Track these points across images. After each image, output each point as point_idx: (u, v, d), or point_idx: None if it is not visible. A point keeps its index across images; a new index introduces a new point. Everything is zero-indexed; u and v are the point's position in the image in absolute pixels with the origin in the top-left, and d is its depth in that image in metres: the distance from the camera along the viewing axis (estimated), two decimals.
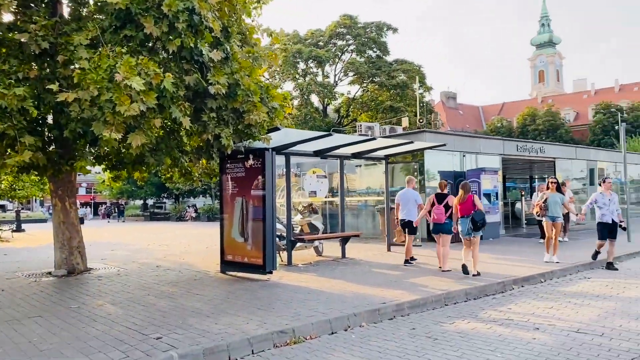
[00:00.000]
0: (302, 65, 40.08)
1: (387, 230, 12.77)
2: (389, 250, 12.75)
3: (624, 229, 10.41)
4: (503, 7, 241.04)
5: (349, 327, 6.13)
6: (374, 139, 10.04)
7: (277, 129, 8.40)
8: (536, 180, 28.18)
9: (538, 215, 11.62)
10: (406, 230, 10.59)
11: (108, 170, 10.50)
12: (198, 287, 8.39)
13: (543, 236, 13.28)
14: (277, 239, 10.78)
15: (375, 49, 41.06)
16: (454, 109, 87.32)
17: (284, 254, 10.78)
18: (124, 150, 8.99)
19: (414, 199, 10.52)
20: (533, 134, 66.79)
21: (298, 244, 10.99)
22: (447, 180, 14.77)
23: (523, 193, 22.75)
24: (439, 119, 36.76)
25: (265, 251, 8.76)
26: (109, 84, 6.15)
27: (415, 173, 13.84)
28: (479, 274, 8.89)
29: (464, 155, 15.69)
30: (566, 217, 13.02)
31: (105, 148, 7.53)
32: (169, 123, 8.81)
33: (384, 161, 12.74)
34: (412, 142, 10.76)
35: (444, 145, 11.74)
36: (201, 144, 8.41)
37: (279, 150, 9.89)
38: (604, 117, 68.54)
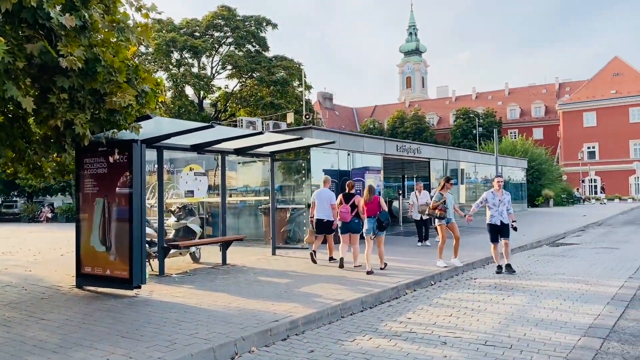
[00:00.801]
0: (176, 55, 37.67)
1: (272, 232, 11.89)
2: (274, 254, 11.88)
3: (515, 229, 9.63)
4: (375, 14, 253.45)
5: (237, 354, 5.14)
6: (262, 133, 9.11)
7: (147, 117, 7.08)
8: (406, 179, 29.29)
9: (435, 217, 10.02)
10: (324, 229, 10.68)
11: None
12: (45, 308, 6.79)
13: (421, 238, 13.45)
14: (147, 246, 9.39)
15: (254, 44, 39.98)
16: (330, 110, 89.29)
17: (155, 263, 9.41)
18: None
19: (329, 199, 10.44)
20: (402, 136, 70.64)
21: (172, 251, 9.68)
22: (332, 179, 14.38)
23: (400, 192, 23.33)
24: (321, 118, 36.72)
25: (132, 261, 7.39)
26: None
27: (304, 171, 13.15)
28: (386, 265, 9.66)
29: (348, 154, 15.36)
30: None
31: None
32: (11, 106, 7.06)
33: (269, 158, 11.85)
34: (301, 138, 10.00)
35: (334, 142, 11.19)
36: (49, 133, 6.80)
37: (150, 143, 8.52)
38: (464, 122, 74.65)
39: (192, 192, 10.17)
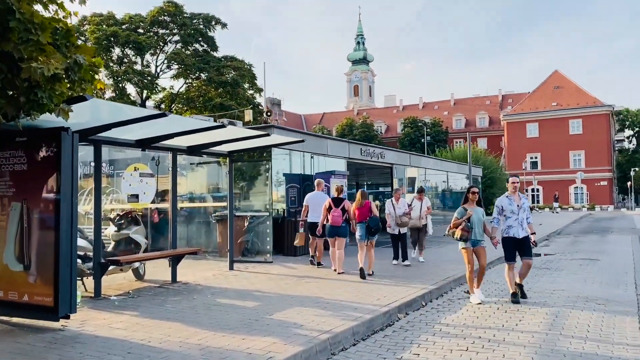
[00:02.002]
0: (117, 51, 35.11)
1: (230, 244, 10.36)
2: (231, 268, 10.34)
3: (535, 244, 7.72)
4: (323, 23, 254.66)
5: None
6: (224, 126, 7.60)
7: (82, 98, 5.46)
8: (365, 187, 28.31)
9: (459, 239, 7.52)
10: (317, 233, 10.48)
11: None
12: None
13: (396, 256, 11.00)
14: (80, 262, 7.68)
15: (202, 43, 38.02)
16: (279, 116, 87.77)
17: (91, 282, 7.70)
18: None
19: (324, 203, 10.14)
20: None
21: (111, 267, 7.99)
22: (295, 185, 12.97)
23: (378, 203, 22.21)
24: (277, 120, 35.16)
25: (58, 284, 5.72)
26: None
27: (266, 174, 11.71)
28: (373, 273, 9.51)
29: (312, 157, 14.05)
30: (422, 230, 11.49)
31: None
32: None
33: (226, 159, 10.35)
34: (268, 135, 8.57)
35: (303, 141, 9.83)
36: None
37: (84, 135, 6.86)
38: (411, 131, 75.32)
39: (136, 196, 8.51)
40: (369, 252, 9.53)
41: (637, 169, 59.42)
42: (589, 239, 18.19)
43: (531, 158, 65.47)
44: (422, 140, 70.48)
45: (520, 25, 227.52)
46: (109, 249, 8.93)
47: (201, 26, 37.47)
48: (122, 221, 9.14)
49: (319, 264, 10.71)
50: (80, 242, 8.05)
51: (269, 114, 14.36)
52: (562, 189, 61.37)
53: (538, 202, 60.81)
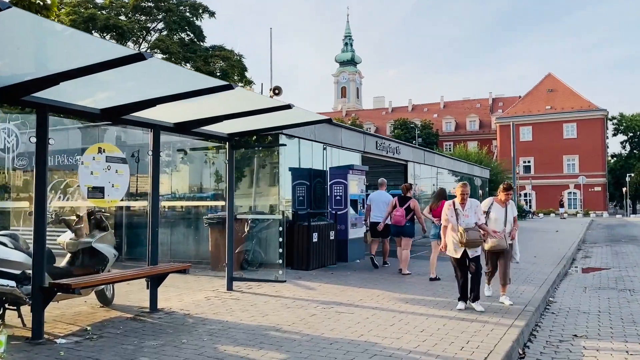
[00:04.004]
0: (97, 36, 32.23)
1: (229, 255, 7.86)
2: (230, 288, 7.84)
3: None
4: (311, 23, 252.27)
5: None
6: (231, 87, 5.09)
7: (6, 4, 2.98)
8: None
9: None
10: (380, 233, 10.23)
11: None
12: None
13: (464, 296, 7.08)
14: (13, 283, 5.22)
15: (189, 32, 35.31)
16: None
17: (28, 311, 5.19)
18: None
19: (387, 202, 10.09)
20: None
21: (60, 293, 5.44)
22: (304, 182, 10.60)
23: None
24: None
25: None
26: None
27: (275, 166, 9.28)
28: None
29: (324, 148, 11.62)
30: (507, 254, 8.63)
31: None
32: None
33: (227, 144, 7.87)
34: (289, 106, 6.07)
35: (330, 120, 7.29)
36: None
37: (16, 94, 4.36)
38: (402, 132, 73.43)
39: (101, 190, 5.98)
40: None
41: (632, 174, 58.13)
42: (630, 250, 16.04)
43: (524, 162, 63.89)
44: (413, 142, 68.55)
45: (508, 31, 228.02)
46: (63, 263, 6.38)
47: (187, 14, 34.79)
48: (82, 225, 6.59)
49: (384, 262, 10.52)
50: (14, 254, 5.51)
51: (276, 91, 12.06)
52: (556, 194, 59.80)
53: (530, 207, 59.11)
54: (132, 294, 7.35)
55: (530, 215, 44.75)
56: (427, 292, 7.81)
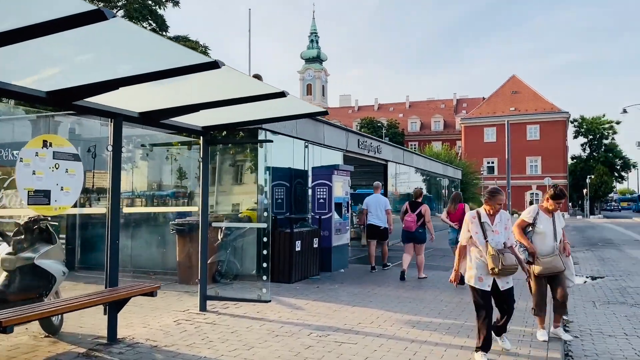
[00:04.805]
0: None
1: (202, 269, 6.69)
2: (203, 309, 6.68)
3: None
4: (279, 16, 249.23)
5: None
6: (217, 66, 3.94)
7: None
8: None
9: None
10: (376, 235, 10.47)
11: None
12: None
13: (486, 347, 6.13)
14: None
15: (151, 21, 33.52)
16: None
17: None
18: None
19: (383, 205, 10.36)
20: None
21: None
22: (283, 183, 9.56)
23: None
24: None
25: None
26: None
27: (253, 165, 8.15)
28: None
29: (306, 146, 10.54)
30: (561, 279, 7.62)
31: None
32: None
33: (201, 139, 6.71)
34: (283, 94, 4.96)
35: (326, 112, 6.22)
36: None
37: None
38: (368, 131, 72.95)
39: (46, 195, 4.74)
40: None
41: (592, 176, 59.45)
42: (614, 256, 15.63)
43: (488, 163, 64.53)
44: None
45: (472, 33, 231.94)
46: None
47: (150, 1, 32.98)
48: (23, 236, 5.32)
49: (384, 265, 10.64)
50: None
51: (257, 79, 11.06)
52: (519, 195, 60.54)
53: None
54: (85, 317, 6.11)
55: None
56: (431, 311, 6.87)
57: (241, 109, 5.93)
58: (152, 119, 5.64)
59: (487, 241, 4.77)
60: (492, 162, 64.96)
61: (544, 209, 5.59)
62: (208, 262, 8.00)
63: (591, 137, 64.73)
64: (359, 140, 13.12)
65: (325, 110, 6.14)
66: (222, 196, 10.13)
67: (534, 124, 63.22)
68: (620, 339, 6.08)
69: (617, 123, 63.26)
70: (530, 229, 5.51)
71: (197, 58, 3.91)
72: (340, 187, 10.31)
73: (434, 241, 9.98)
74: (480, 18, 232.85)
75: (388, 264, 10.74)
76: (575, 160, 66.37)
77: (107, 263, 5.20)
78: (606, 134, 63.93)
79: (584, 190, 58.88)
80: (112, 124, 5.23)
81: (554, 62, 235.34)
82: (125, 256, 9.77)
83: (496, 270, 4.63)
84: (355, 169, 14.96)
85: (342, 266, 10.40)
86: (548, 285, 5.61)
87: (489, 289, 4.76)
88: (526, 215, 5.58)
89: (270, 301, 6.58)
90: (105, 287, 5.19)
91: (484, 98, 75.11)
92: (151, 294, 5.31)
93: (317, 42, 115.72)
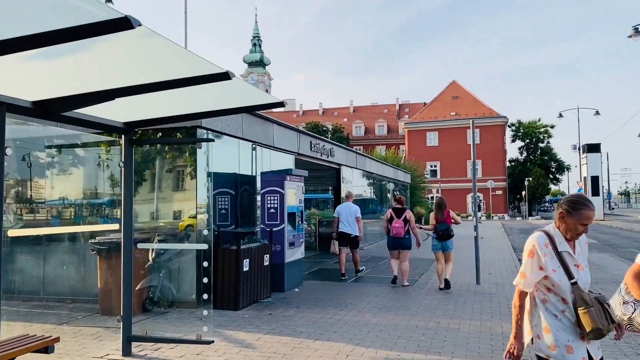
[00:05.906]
0: None
1: (125, 300, 5.26)
2: (128, 354, 5.24)
3: None
4: (222, 18, 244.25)
5: None
6: (128, 23, 2.68)
7: None
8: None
9: None
10: (347, 242, 10.64)
11: None
12: None
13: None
14: None
15: None
16: None
17: None
18: None
19: (354, 213, 10.53)
20: None
21: None
22: (227, 190, 8.27)
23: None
24: None
25: None
26: None
27: (186, 172, 6.78)
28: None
29: (254, 148, 9.23)
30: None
31: None
32: None
33: (123, 138, 5.30)
34: (229, 76, 3.72)
35: (283, 104, 4.99)
36: None
37: None
38: None
39: None
40: (447, 265, 9.02)
41: (530, 178, 61.25)
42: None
43: (431, 166, 65.23)
44: None
45: (413, 38, 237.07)
46: None
47: None
48: None
49: (357, 271, 10.95)
50: None
51: None
52: (460, 198, 61.49)
53: None
54: None
55: None
56: (409, 343, 5.75)
57: (173, 100, 4.63)
58: (50, 110, 4.20)
59: (574, 284, 2.85)
60: (435, 166, 65.76)
61: None
62: (136, 288, 6.57)
63: (528, 140, 66.81)
64: (311, 142, 11.94)
65: (281, 101, 4.89)
66: (161, 204, 8.66)
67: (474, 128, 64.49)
68: None
69: (552, 127, 65.77)
70: None
71: (110, 13, 2.58)
72: (294, 195, 9.08)
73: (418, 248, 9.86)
74: (419, 26, 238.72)
75: (361, 268, 11.19)
76: (513, 163, 68.28)
77: None
78: (542, 137, 66.18)
79: (523, 192, 60.55)
80: None
81: (493, 68, 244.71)
82: (35, 280, 8.11)
83: (602, 332, 2.75)
84: (309, 171, 13.78)
85: (297, 284, 9.15)
86: None
87: (578, 358, 2.81)
88: None
89: (213, 342, 5.24)
90: None
91: (425, 103, 76.23)
92: (45, 349, 3.87)
93: (260, 46, 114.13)
